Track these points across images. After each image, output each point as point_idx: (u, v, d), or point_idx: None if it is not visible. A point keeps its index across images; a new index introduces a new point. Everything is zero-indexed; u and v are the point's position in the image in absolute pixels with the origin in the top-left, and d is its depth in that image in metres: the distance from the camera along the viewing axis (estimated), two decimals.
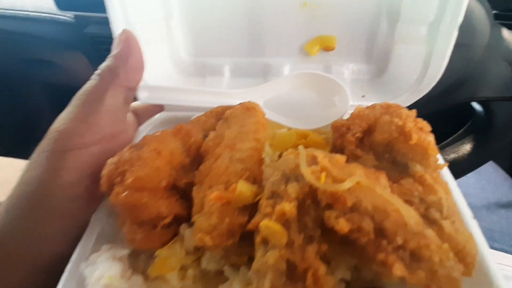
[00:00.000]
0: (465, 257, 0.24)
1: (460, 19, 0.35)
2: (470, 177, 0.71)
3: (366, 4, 0.43)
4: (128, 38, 0.35)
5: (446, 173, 0.32)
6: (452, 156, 0.50)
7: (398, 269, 0.22)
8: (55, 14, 0.95)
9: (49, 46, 1.02)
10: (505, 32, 0.46)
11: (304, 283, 0.23)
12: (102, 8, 0.88)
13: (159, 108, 0.43)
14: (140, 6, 0.39)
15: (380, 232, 0.23)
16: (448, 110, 0.68)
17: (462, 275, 0.24)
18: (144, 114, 0.42)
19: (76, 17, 0.92)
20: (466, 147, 0.50)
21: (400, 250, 0.23)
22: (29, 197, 0.30)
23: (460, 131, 0.52)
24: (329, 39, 0.44)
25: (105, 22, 0.91)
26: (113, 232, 0.32)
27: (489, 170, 0.76)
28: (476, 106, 0.52)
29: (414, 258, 0.23)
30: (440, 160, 0.31)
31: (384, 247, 0.23)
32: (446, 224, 0.25)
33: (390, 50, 0.44)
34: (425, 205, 0.27)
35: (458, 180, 0.68)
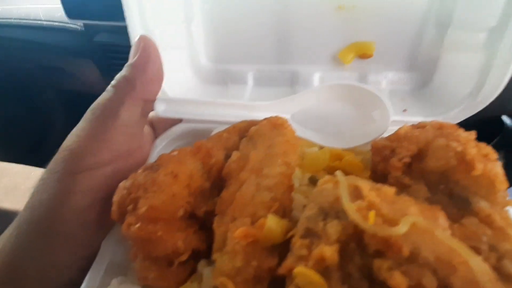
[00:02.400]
0: None
1: None
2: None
3: (411, 5, 0.38)
4: (147, 45, 0.33)
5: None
6: None
7: None
8: (66, 23, 1.00)
9: (60, 54, 1.08)
10: None
11: None
12: (111, 16, 0.90)
13: (178, 120, 0.40)
14: (160, 9, 0.37)
15: None
16: (476, 124, 0.64)
17: None
18: (160, 125, 0.40)
19: (85, 25, 0.96)
20: None
21: None
22: (38, 223, 0.28)
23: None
24: (367, 45, 0.40)
25: (114, 30, 0.92)
26: (124, 260, 0.29)
27: None
28: (506, 120, 0.48)
29: None
30: (510, 195, 0.26)
31: None
32: None
33: (437, 57, 0.39)
34: (497, 255, 0.22)
35: None
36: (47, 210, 0.28)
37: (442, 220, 0.24)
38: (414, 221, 0.22)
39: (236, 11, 0.41)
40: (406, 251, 0.20)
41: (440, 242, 0.21)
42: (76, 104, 1.45)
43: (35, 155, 1.45)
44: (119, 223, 0.27)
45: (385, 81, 0.42)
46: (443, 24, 0.38)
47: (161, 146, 0.38)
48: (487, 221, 0.24)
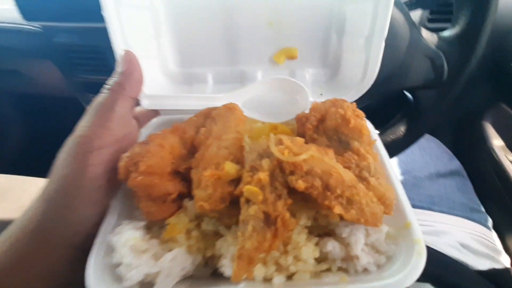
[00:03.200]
0: (385, 201, 0.36)
1: (385, 33, 0.47)
2: (416, 154, 0.85)
3: (319, 21, 0.54)
4: (131, 58, 0.44)
5: (378, 146, 0.44)
6: (391, 137, 0.62)
7: (337, 209, 0.33)
8: (21, 24, 0.94)
9: (15, 56, 1.03)
10: (423, 32, 0.58)
11: (275, 225, 0.33)
12: (70, 17, 0.87)
13: (155, 113, 0.52)
14: (135, 28, 0.48)
15: (326, 187, 0.34)
16: (389, 100, 0.82)
17: (383, 213, 0.35)
18: (143, 118, 0.51)
19: (44, 27, 0.92)
20: (401, 129, 0.62)
21: (339, 198, 0.34)
22: (64, 190, 0.37)
23: (397, 116, 0.65)
24: (292, 50, 0.55)
25: (74, 31, 0.91)
26: (129, 212, 0.40)
27: (432, 146, 0.89)
28: (408, 94, 0.64)
29: (349, 202, 0.34)
30: (375, 137, 0.43)
31: (329, 196, 0.34)
32: (372, 180, 0.37)
33: (340, 57, 0.55)
34: (359, 169, 0.38)
35: (406, 156, 0.81)
36: (70, 180, 0.37)
37: (331, 154, 0.39)
38: (312, 154, 0.36)
39: (194, 27, 0.53)
40: (305, 169, 0.35)
41: (326, 163, 0.36)
42: (33, 107, 1.36)
43: None
44: (124, 181, 0.39)
45: (308, 75, 0.57)
46: (340, 33, 0.54)
47: (146, 133, 0.48)
48: (356, 153, 0.40)
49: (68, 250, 0.38)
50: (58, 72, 0.98)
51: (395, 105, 0.74)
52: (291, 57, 0.56)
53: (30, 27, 0.94)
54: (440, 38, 0.58)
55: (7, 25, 0.97)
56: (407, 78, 0.57)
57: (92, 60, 0.90)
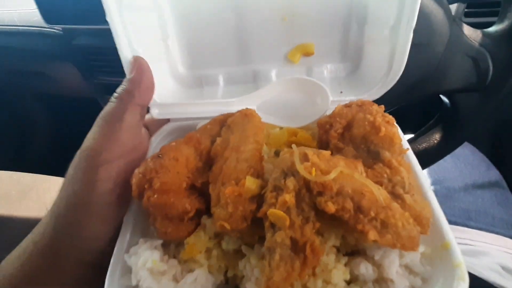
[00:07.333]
0: (421, 220, 0.31)
1: (414, 23, 0.40)
2: (448, 162, 0.72)
3: (337, 11, 0.46)
4: (140, 64, 0.38)
5: (410, 155, 0.38)
6: (424, 145, 0.53)
7: (372, 235, 0.28)
8: (43, 27, 0.95)
9: (39, 58, 1.03)
10: (465, 29, 0.49)
11: (304, 252, 0.28)
12: (89, 20, 0.85)
13: (166, 120, 0.46)
14: (140, 32, 0.41)
15: (358, 209, 0.29)
16: (422, 104, 0.71)
17: (420, 233, 0.30)
18: (153, 126, 0.46)
19: (64, 29, 0.92)
20: (435, 137, 0.54)
21: (373, 220, 0.29)
22: (74, 207, 0.34)
23: (431, 122, 0.56)
24: (308, 46, 0.48)
25: (93, 33, 0.89)
26: (144, 228, 0.37)
27: (467, 153, 0.77)
28: (444, 98, 0.55)
29: (384, 225, 0.29)
30: (406, 145, 0.37)
31: (362, 220, 0.29)
32: (407, 197, 0.31)
33: (361, 50, 0.48)
34: (392, 184, 0.33)
35: (436, 164, 0.67)
36: (79, 196, 0.34)
37: (360, 167, 0.34)
38: (341, 170, 0.31)
39: (203, 26, 0.46)
40: (335, 189, 0.30)
41: (357, 180, 0.31)
42: (58, 107, 1.38)
43: (19, 161, 1.39)
44: (138, 200, 0.35)
45: (325, 71, 0.50)
46: (362, 23, 0.45)
47: (156, 142, 0.43)
48: (388, 165, 0.34)
49: (79, 267, 0.36)
50: (79, 74, 0.97)
51: (426, 109, 0.63)
52: (307, 53, 0.49)
53: (52, 30, 0.94)
54: (484, 35, 0.49)
55: (31, 28, 0.98)
56: (445, 80, 0.48)
57: (110, 62, 0.86)
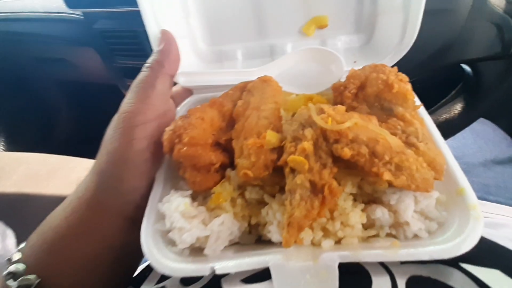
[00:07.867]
0: (435, 166, 0.32)
1: None
2: (467, 138, 0.71)
3: None
4: (168, 37, 0.42)
5: (422, 111, 0.39)
6: (445, 116, 0.53)
7: (387, 176, 0.30)
8: (64, 13, 0.95)
9: (60, 44, 1.03)
10: None
11: (322, 193, 0.31)
12: (109, 3, 0.85)
13: (189, 92, 0.50)
14: (165, 9, 0.45)
15: (373, 153, 0.31)
16: (443, 74, 0.70)
17: (434, 179, 0.32)
18: (178, 98, 0.49)
19: (84, 13, 0.91)
20: (457, 107, 0.53)
21: (388, 164, 0.31)
22: (114, 162, 0.37)
23: (452, 92, 0.55)
24: (322, 18, 0.49)
25: (113, 16, 0.89)
26: (174, 183, 0.40)
27: (487, 130, 0.76)
28: (466, 67, 0.54)
29: (398, 168, 0.30)
30: (417, 101, 0.38)
31: (376, 163, 0.31)
32: (421, 145, 0.33)
33: (375, 20, 0.49)
34: (406, 134, 0.34)
35: (455, 140, 0.68)
36: (118, 153, 0.37)
37: (374, 121, 0.36)
38: (356, 121, 0.33)
39: (222, 2, 0.49)
40: (350, 136, 0.32)
41: (371, 130, 0.33)
42: (78, 93, 1.43)
43: (45, 144, 1.44)
44: (169, 154, 0.38)
45: (340, 43, 0.51)
46: None
47: (182, 112, 0.46)
48: (402, 118, 0.36)
49: (119, 219, 0.39)
50: (99, 58, 0.97)
51: (448, 80, 0.62)
52: (322, 26, 0.51)
53: (73, 15, 0.93)
54: (509, 2, 0.48)
55: (52, 14, 0.97)
56: (467, 48, 0.47)
57: (129, 45, 0.87)
